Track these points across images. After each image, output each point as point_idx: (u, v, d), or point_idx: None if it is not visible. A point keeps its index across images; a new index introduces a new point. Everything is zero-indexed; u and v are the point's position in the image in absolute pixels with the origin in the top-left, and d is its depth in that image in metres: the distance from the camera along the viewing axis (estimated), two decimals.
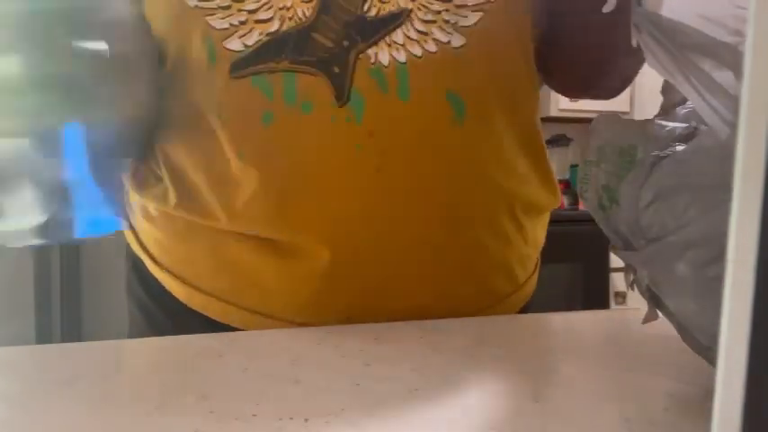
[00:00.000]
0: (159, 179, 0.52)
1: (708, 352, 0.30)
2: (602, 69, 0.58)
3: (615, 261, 2.33)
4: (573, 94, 0.64)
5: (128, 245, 0.58)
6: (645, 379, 0.35)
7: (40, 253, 2.03)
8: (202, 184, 0.48)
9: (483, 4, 0.47)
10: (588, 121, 0.37)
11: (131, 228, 0.57)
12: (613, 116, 0.35)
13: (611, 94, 0.61)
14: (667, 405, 0.31)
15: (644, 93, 2.76)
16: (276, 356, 0.38)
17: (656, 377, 0.35)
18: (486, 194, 0.51)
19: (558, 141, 2.60)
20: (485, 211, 0.51)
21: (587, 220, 0.43)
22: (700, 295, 0.27)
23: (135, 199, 0.56)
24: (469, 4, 0.47)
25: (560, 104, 2.72)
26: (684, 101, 0.32)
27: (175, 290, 0.52)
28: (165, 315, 0.54)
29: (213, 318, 0.50)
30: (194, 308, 0.51)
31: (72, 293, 2.05)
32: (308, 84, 0.45)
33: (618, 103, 2.76)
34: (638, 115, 2.82)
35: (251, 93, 0.45)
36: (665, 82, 0.32)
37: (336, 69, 0.45)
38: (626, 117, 0.34)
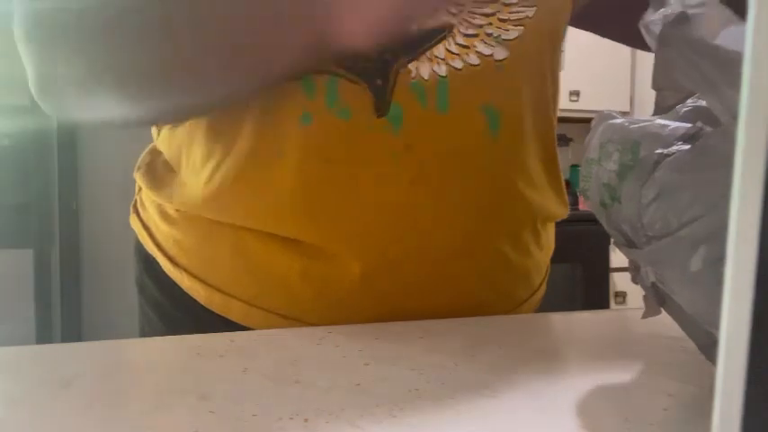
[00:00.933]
0: (177, 176, 0.51)
1: (716, 349, 0.30)
2: None
3: (615, 261, 2.32)
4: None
5: (137, 244, 0.56)
6: (645, 379, 0.35)
7: (40, 253, 2.03)
8: (231, 180, 0.47)
9: (523, 19, 0.48)
10: (588, 120, 0.37)
11: (144, 227, 0.56)
12: (614, 114, 0.35)
13: None
14: (667, 405, 0.31)
15: (644, 92, 2.76)
16: (276, 356, 0.38)
17: (656, 377, 0.35)
18: (513, 207, 0.51)
19: (558, 141, 2.60)
20: (510, 224, 0.52)
21: (587, 220, 0.43)
22: (715, 291, 0.27)
23: (149, 198, 0.55)
24: (512, 18, 0.47)
25: (560, 104, 2.72)
26: (683, 100, 0.32)
27: (195, 291, 0.51)
28: (182, 316, 0.53)
29: (234, 320, 0.50)
30: (215, 310, 0.50)
31: (72, 293, 2.05)
32: (349, 90, 0.45)
33: (618, 103, 2.76)
34: (638, 115, 2.82)
35: (292, 88, 0.45)
36: (657, 77, 0.31)
37: (379, 82, 0.45)
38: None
